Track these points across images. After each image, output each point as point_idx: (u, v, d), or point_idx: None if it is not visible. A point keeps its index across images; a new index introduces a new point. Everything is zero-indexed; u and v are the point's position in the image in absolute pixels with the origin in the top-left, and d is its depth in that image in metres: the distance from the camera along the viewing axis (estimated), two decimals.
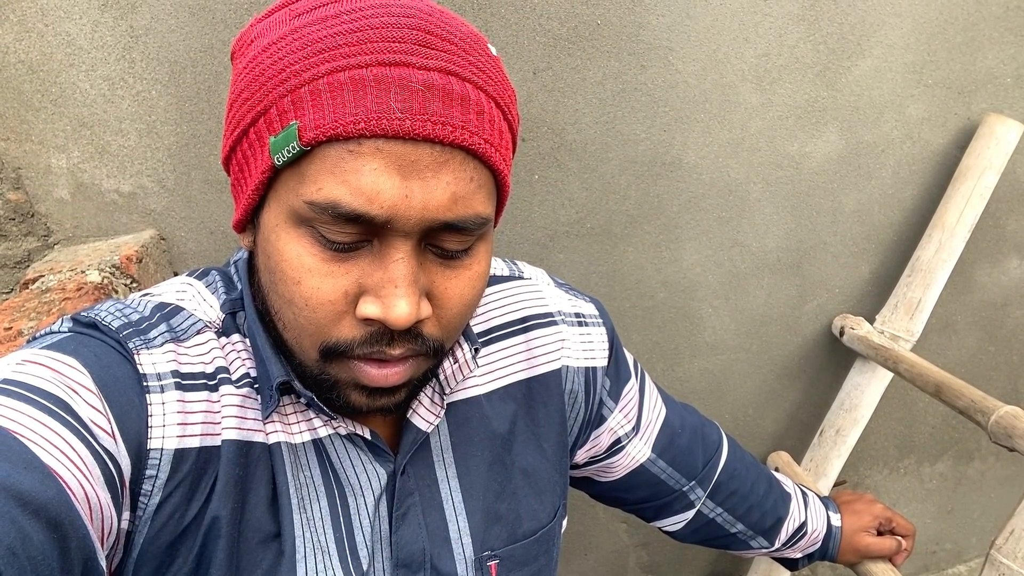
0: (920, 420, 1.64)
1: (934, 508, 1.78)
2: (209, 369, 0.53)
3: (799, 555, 0.97)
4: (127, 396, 0.48)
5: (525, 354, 0.68)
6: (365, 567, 0.58)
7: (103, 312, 0.53)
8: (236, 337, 0.56)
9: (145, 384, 0.50)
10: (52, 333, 0.51)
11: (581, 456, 0.77)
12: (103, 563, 0.43)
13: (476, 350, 0.60)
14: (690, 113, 1.18)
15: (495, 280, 0.70)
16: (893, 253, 1.41)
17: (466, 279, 0.50)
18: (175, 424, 0.50)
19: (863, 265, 1.41)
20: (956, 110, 1.33)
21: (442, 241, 0.47)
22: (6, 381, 0.44)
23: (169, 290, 0.57)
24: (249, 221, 0.52)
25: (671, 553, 1.58)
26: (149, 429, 0.49)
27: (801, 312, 1.42)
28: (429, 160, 0.44)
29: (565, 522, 0.73)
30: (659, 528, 0.89)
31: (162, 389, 0.50)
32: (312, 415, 0.57)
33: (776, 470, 1.42)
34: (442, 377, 0.60)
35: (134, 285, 0.93)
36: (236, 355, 0.55)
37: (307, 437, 0.57)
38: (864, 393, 1.39)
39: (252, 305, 0.56)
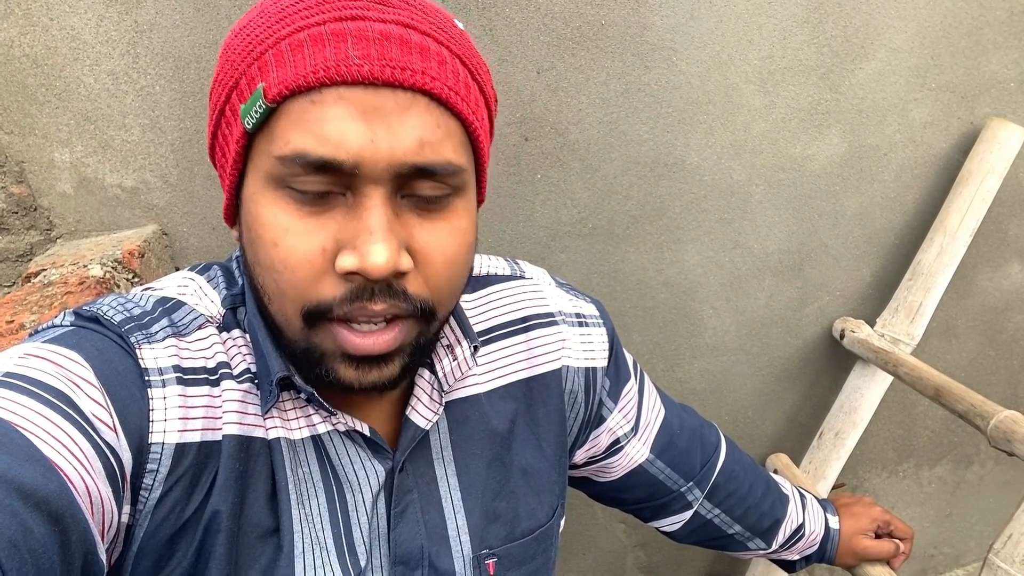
0: (919, 424, 1.64)
1: (932, 512, 1.78)
2: (210, 364, 0.53)
3: (797, 557, 0.97)
4: (128, 390, 0.49)
5: (525, 353, 0.68)
6: (363, 564, 0.58)
7: (105, 306, 0.53)
8: (237, 332, 0.56)
9: (147, 378, 0.50)
10: (54, 327, 0.51)
11: (580, 456, 0.77)
12: (103, 556, 0.43)
13: (475, 348, 0.60)
14: (693, 114, 1.18)
15: (496, 279, 0.70)
16: (894, 256, 1.41)
17: (446, 232, 0.49)
18: (176, 418, 0.50)
19: (864, 268, 1.41)
20: (959, 114, 1.33)
21: (416, 188, 0.47)
22: (8, 375, 0.44)
23: (171, 285, 0.58)
24: (235, 208, 0.52)
25: (669, 553, 1.59)
26: (150, 423, 0.49)
27: (802, 314, 1.42)
28: (392, 105, 0.44)
29: (563, 522, 0.74)
30: (657, 529, 0.89)
31: (163, 383, 0.50)
32: (311, 411, 0.57)
33: (775, 472, 1.42)
34: (441, 374, 0.60)
35: (136, 280, 0.93)
36: (237, 350, 0.55)
37: (306, 433, 0.57)
38: (864, 396, 1.39)
39: (252, 300, 0.56)
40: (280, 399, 0.56)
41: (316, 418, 0.57)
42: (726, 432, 0.92)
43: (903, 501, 1.73)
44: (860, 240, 1.38)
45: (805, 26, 1.17)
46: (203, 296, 0.57)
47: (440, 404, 0.61)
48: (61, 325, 0.52)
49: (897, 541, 0.99)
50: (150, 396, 0.50)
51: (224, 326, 0.56)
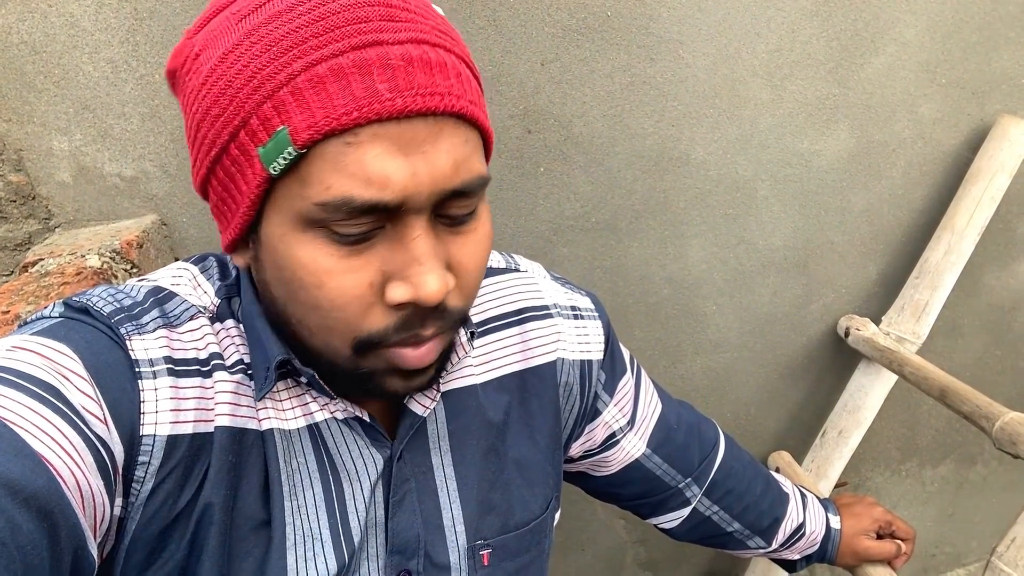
0: (923, 423, 1.63)
1: (935, 511, 1.77)
2: (202, 355, 0.53)
3: (797, 556, 0.96)
4: (119, 382, 0.48)
5: (520, 346, 0.67)
6: (358, 553, 0.58)
7: (95, 297, 0.52)
8: (230, 323, 0.56)
9: (137, 370, 0.49)
10: (43, 318, 0.51)
11: (576, 450, 0.77)
12: (94, 551, 0.43)
13: (472, 334, 0.60)
14: (699, 108, 1.17)
15: (491, 272, 0.69)
16: (901, 254, 1.40)
17: (475, 242, 0.50)
18: (168, 410, 0.50)
19: (870, 265, 1.40)
20: (969, 111, 1.32)
21: (449, 209, 0.47)
22: None
23: (165, 275, 0.57)
24: (242, 239, 0.50)
25: (669, 550, 1.58)
26: (141, 415, 0.49)
27: (806, 312, 1.41)
28: (425, 133, 0.43)
29: (558, 515, 0.73)
30: (655, 526, 0.88)
31: (154, 375, 0.50)
32: (308, 399, 0.56)
33: (777, 470, 1.42)
34: None
35: (134, 270, 0.92)
36: (230, 341, 0.55)
37: (302, 423, 0.56)
38: (868, 395, 1.38)
39: (248, 290, 0.55)
40: (274, 388, 0.55)
41: (313, 406, 0.56)
42: (728, 430, 0.91)
43: (906, 500, 1.72)
44: (867, 237, 1.37)
45: (814, 19, 1.16)
46: (196, 287, 0.57)
47: (438, 391, 0.60)
48: (50, 316, 0.51)
49: (899, 542, 0.99)
50: (141, 388, 0.49)
51: (218, 316, 0.56)
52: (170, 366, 0.51)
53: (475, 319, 0.66)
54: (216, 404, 0.52)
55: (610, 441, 0.77)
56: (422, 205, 0.44)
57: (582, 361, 0.70)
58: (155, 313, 0.52)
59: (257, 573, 0.54)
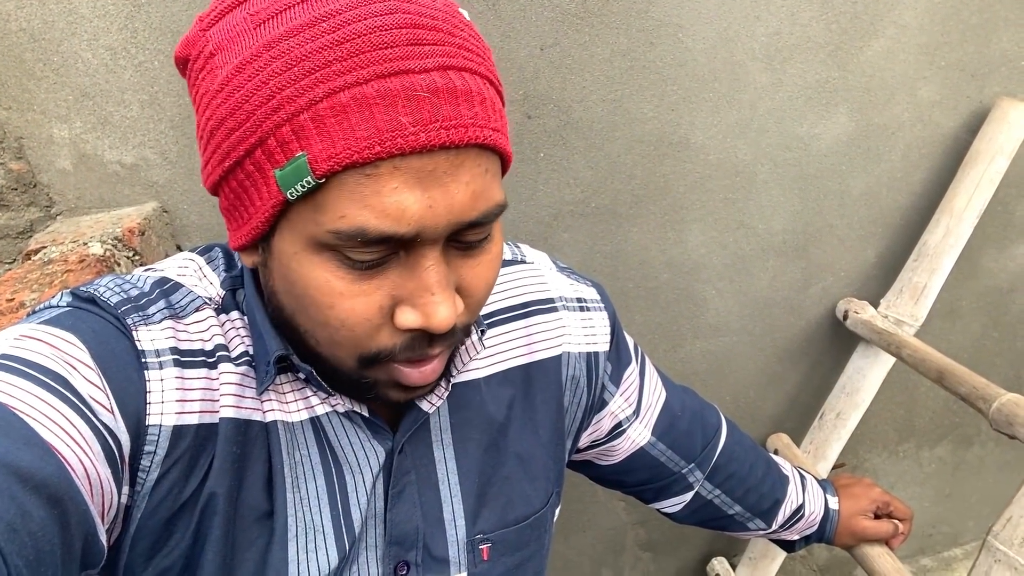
0: (921, 405, 1.64)
1: (932, 492, 1.79)
2: (208, 346, 0.53)
3: (796, 537, 0.97)
4: (125, 372, 0.48)
5: (524, 339, 0.67)
6: (359, 544, 0.58)
7: (102, 287, 0.52)
8: (235, 315, 0.56)
9: (144, 360, 0.50)
10: (50, 307, 0.51)
11: (583, 440, 0.77)
12: (103, 538, 0.43)
13: (483, 331, 0.60)
14: (698, 92, 1.17)
15: None
16: (900, 237, 1.40)
17: (487, 263, 0.50)
18: (173, 401, 0.50)
19: (869, 249, 1.40)
20: (968, 93, 1.31)
21: (465, 236, 0.47)
22: (4, 356, 0.44)
23: (171, 266, 0.57)
24: (252, 246, 0.50)
25: (669, 531, 1.60)
26: (148, 405, 0.49)
27: (805, 295, 1.42)
28: (446, 166, 0.42)
29: (558, 510, 0.74)
30: (658, 510, 0.89)
31: (160, 366, 0.50)
32: (309, 393, 0.57)
33: (775, 452, 1.43)
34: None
35: (136, 258, 0.92)
36: (235, 332, 0.55)
37: (304, 416, 0.57)
38: (866, 377, 1.39)
39: (251, 283, 0.55)
40: (277, 381, 0.55)
41: (314, 400, 0.57)
42: (728, 413, 0.92)
43: (903, 481, 1.74)
44: (866, 221, 1.37)
45: (813, 2, 1.15)
46: (202, 278, 0.57)
47: (447, 389, 0.60)
48: (57, 306, 0.51)
49: (896, 522, 1.00)
50: (147, 378, 0.49)
51: (223, 308, 0.56)
52: (176, 357, 0.51)
53: (481, 312, 0.66)
54: (221, 395, 0.53)
55: (616, 431, 0.77)
56: (438, 236, 0.44)
57: (588, 353, 0.70)
58: (161, 304, 0.53)
59: (260, 563, 0.55)
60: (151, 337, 0.51)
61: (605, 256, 1.26)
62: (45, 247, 0.90)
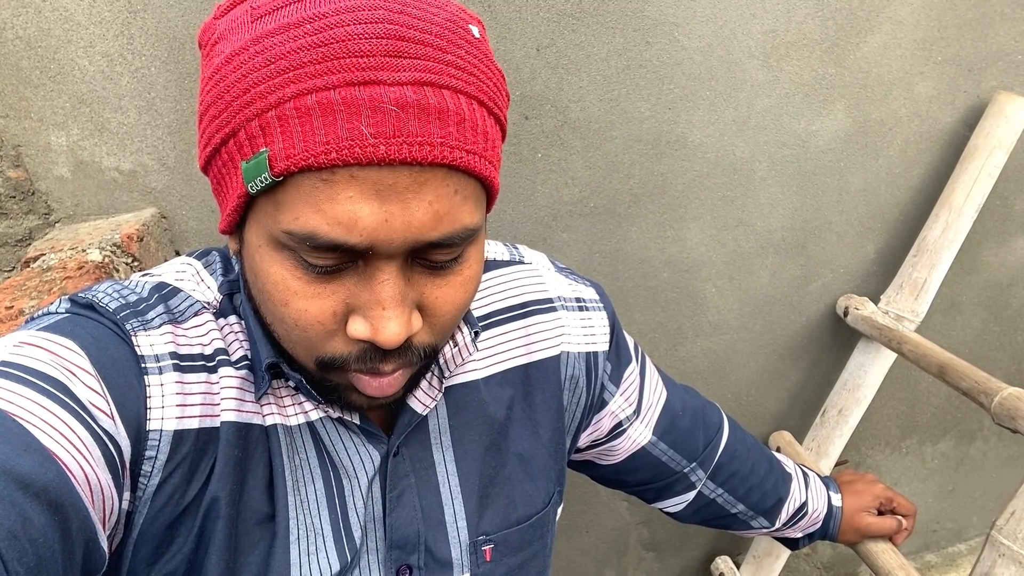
0: (923, 400, 1.64)
1: (935, 488, 1.78)
2: (208, 351, 0.53)
3: (800, 535, 0.97)
4: (125, 378, 0.48)
5: (523, 340, 0.67)
6: (359, 548, 0.58)
7: (100, 293, 0.52)
8: (234, 319, 0.56)
9: (143, 366, 0.50)
10: (49, 314, 0.51)
11: (583, 440, 0.77)
12: (104, 544, 0.43)
13: (476, 333, 0.60)
14: (695, 90, 1.17)
15: (495, 264, 0.69)
16: (899, 233, 1.40)
17: (456, 285, 0.49)
18: (174, 405, 0.50)
19: (868, 245, 1.40)
20: (965, 88, 1.31)
21: (429, 255, 0.46)
22: (4, 363, 0.44)
23: (169, 271, 0.57)
24: (234, 230, 0.50)
25: (672, 531, 1.59)
26: (148, 410, 0.49)
27: (805, 292, 1.41)
28: (408, 182, 0.42)
29: (560, 509, 0.74)
30: (660, 510, 0.89)
31: (160, 371, 0.50)
32: (303, 398, 0.57)
33: (778, 450, 1.43)
34: (441, 361, 0.59)
35: (135, 264, 0.92)
36: (234, 336, 0.55)
37: (301, 420, 0.57)
38: (867, 373, 1.38)
39: (247, 287, 0.55)
40: (274, 385, 0.55)
41: (308, 405, 0.57)
42: (729, 411, 0.92)
43: (906, 477, 1.74)
44: (864, 217, 1.37)
45: None
46: (200, 282, 0.57)
47: (439, 391, 0.61)
48: (56, 312, 0.51)
49: (899, 518, 1.00)
50: (147, 383, 0.49)
51: (221, 312, 0.56)
52: (175, 362, 0.51)
53: (478, 313, 0.66)
54: (222, 399, 0.53)
55: (616, 430, 0.77)
56: (394, 251, 0.43)
57: (587, 353, 0.70)
58: (160, 309, 0.53)
59: (262, 566, 0.55)
60: (150, 342, 0.51)
61: (604, 256, 1.26)
62: (44, 254, 0.90)
